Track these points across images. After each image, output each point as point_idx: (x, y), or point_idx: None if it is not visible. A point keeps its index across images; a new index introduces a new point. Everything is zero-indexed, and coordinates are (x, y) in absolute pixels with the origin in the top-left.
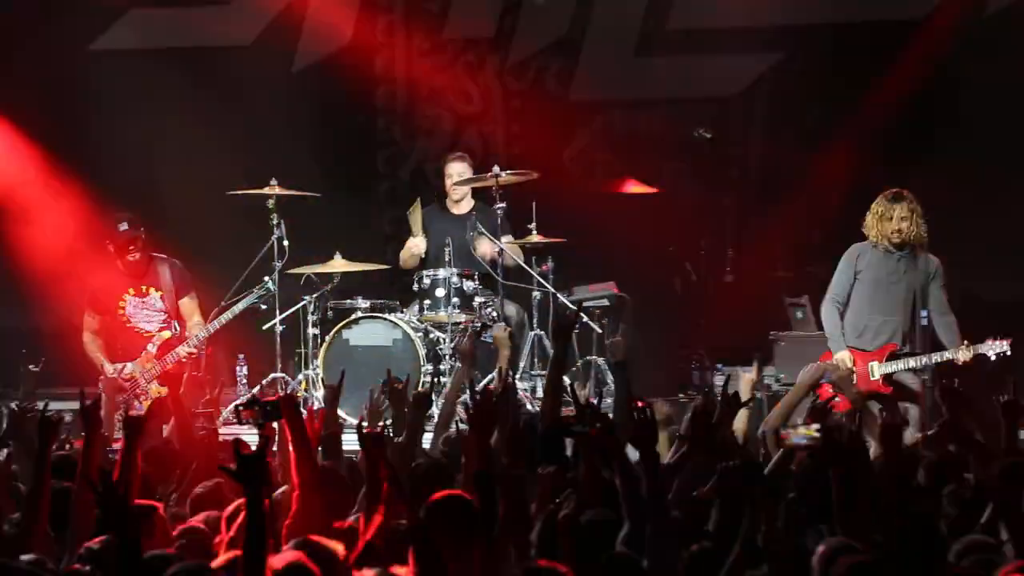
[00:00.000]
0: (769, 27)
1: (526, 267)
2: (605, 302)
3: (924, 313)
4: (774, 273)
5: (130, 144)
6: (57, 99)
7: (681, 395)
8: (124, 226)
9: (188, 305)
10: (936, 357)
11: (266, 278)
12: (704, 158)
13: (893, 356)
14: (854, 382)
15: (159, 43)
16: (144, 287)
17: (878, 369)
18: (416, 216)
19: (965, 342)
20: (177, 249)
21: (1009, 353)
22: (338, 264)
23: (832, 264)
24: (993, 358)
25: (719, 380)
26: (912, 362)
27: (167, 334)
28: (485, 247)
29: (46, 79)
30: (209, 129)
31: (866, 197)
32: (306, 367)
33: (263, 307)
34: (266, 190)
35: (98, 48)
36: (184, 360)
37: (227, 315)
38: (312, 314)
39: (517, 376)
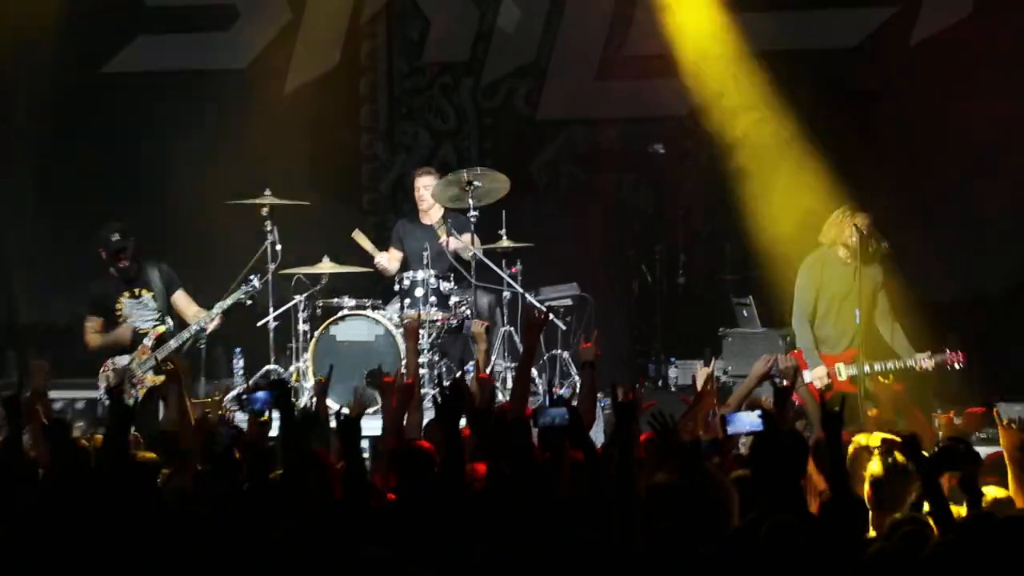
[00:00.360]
0: None
1: (496, 269)
2: (569, 301)
3: (857, 312)
4: (722, 276)
5: (137, 157)
6: (71, 117)
7: (639, 386)
8: (116, 236)
9: (182, 298)
10: (899, 364)
11: (252, 277)
12: (658, 171)
13: (857, 359)
14: (801, 376)
15: (165, 66)
16: (137, 290)
17: (845, 371)
18: (361, 239)
19: (928, 352)
20: (180, 253)
21: (963, 366)
22: (326, 266)
23: (775, 268)
24: (949, 370)
25: (672, 372)
26: (877, 366)
27: (162, 328)
28: (453, 243)
29: (61, 98)
30: (209, 144)
31: (804, 206)
32: (296, 360)
33: (248, 303)
34: (261, 199)
35: (110, 70)
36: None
37: (219, 307)
38: (302, 312)
39: (489, 368)
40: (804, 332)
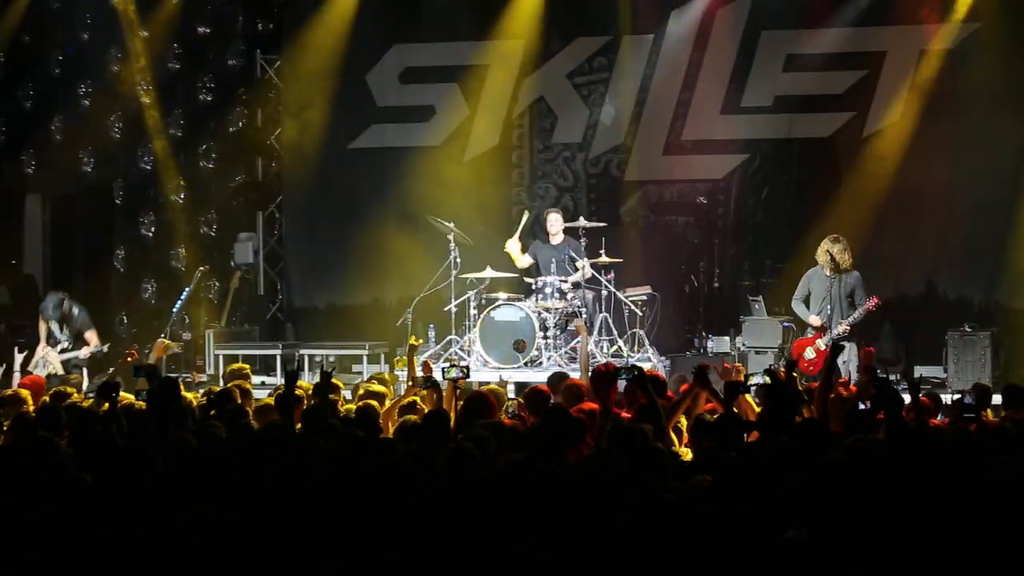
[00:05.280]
0: (739, 139)
1: (596, 275)
2: (644, 297)
3: (828, 307)
4: (742, 282)
5: (373, 201)
6: (330, 177)
7: (688, 352)
8: (54, 300)
9: (92, 335)
10: (851, 319)
11: (104, 346)
12: (702, 214)
13: (826, 329)
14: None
15: (390, 144)
16: (62, 325)
17: (823, 342)
18: (513, 246)
19: (865, 301)
20: (394, 262)
21: (879, 304)
22: (488, 273)
23: (778, 276)
24: (874, 308)
25: (710, 344)
26: (839, 329)
27: (67, 345)
28: (576, 277)
29: (322, 163)
30: (415, 193)
31: (797, 236)
32: (468, 333)
33: (99, 357)
34: (449, 226)
35: (354, 147)
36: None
37: (93, 349)
38: (472, 301)
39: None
40: (799, 309)
